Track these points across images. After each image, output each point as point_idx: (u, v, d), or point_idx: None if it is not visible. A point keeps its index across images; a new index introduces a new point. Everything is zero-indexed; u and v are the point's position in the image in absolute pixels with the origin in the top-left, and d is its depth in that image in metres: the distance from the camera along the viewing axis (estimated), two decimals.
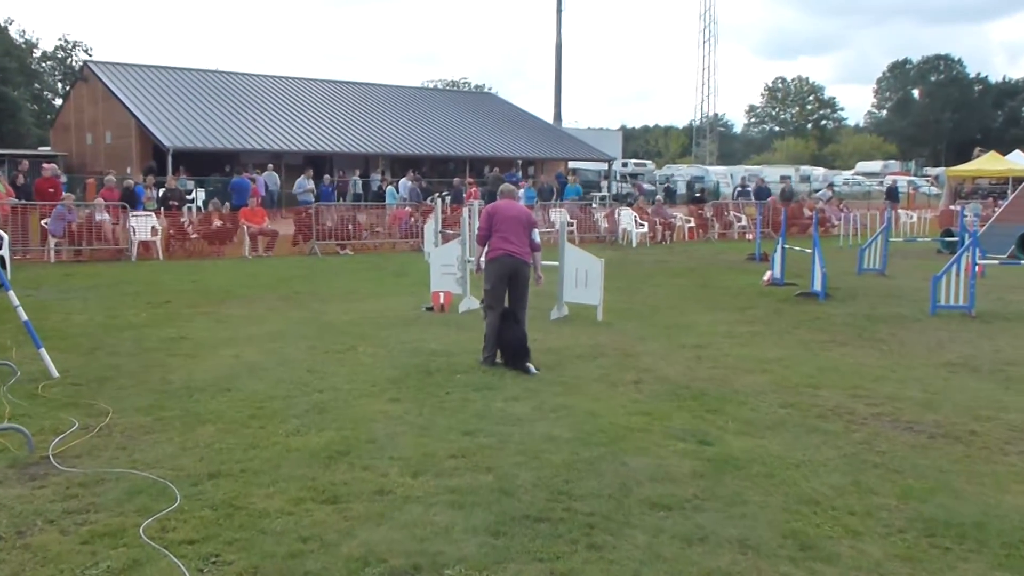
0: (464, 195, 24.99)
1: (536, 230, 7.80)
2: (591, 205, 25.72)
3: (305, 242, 19.45)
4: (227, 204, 20.47)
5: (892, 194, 38.62)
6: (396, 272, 15.48)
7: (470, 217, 10.93)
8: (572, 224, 21.67)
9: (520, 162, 39.41)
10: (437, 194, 23.65)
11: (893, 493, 4.77)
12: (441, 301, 10.85)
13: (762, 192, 29.01)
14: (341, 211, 20.60)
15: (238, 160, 31.47)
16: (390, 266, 16.54)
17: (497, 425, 5.90)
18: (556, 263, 10.34)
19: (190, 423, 5.93)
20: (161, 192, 21.02)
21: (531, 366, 7.46)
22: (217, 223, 18.82)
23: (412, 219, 20.64)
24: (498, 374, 7.39)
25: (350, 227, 19.84)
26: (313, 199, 22.83)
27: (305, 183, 22.86)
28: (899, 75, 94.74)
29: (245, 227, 18.65)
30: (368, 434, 5.68)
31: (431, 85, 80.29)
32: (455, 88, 74.93)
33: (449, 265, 11.13)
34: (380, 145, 34.48)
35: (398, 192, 24.85)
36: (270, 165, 28.02)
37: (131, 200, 18.94)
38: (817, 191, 43.60)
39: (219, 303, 11.57)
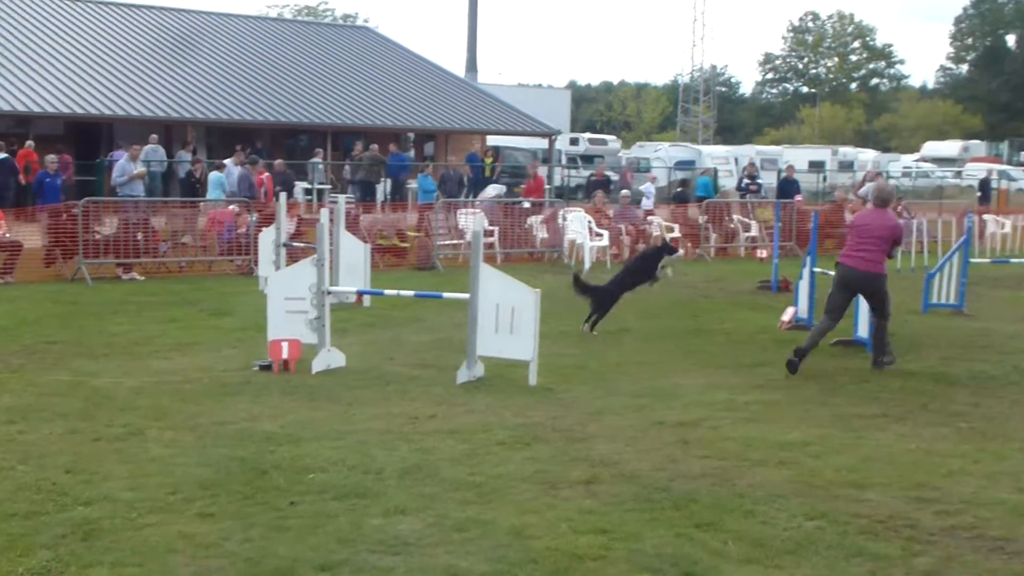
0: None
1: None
2: (521, 204, 25.93)
3: (66, 260, 19.12)
4: None
5: (985, 191, 39.96)
6: (213, 309, 15.30)
7: (332, 223, 10.96)
8: (492, 234, 21.86)
9: (412, 136, 39.59)
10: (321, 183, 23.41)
11: None
12: (284, 355, 10.81)
13: (787, 186, 29.67)
14: (124, 212, 20.24)
15: None
16: (204, 299, 16.33)
17: (372, 554, 5.91)
18: (465, 296, 10.39)
19: None
20: None
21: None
22: None
23: (239, 226, 20.48)
24: (374, 471, 7.38)
25: (139, 237, 19.58)
26: (143, 192, 22.85)
27: (128, 166, 22.51)
28: (987, 12, 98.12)
29: None
30: (164, 574, 5.62)
31: (274, 13, 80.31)
32: (311, 19, 74.92)
33: (298, 299, 11.10)
34: (190, 106, 34.16)
35: (228, 182, 24.58)
36: (154, 137, 28.78)
37: None
38: (864, 185, 44.96)
39: None
